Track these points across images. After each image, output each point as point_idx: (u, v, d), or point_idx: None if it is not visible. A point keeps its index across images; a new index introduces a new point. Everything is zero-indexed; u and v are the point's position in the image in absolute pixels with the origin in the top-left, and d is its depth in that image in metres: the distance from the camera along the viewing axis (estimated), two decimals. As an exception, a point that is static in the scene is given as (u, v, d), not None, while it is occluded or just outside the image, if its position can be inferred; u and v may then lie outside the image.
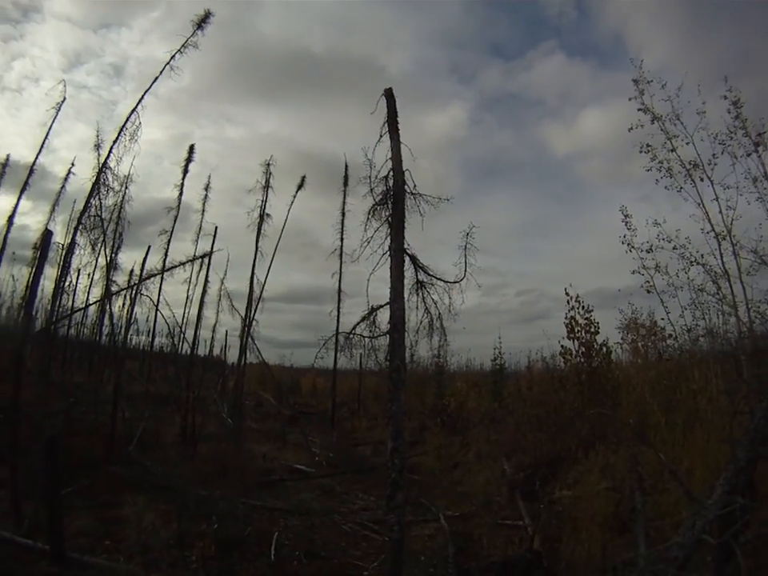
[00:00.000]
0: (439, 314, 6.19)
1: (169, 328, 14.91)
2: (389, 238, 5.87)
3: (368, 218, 6.12)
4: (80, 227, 9.70)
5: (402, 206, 5.87)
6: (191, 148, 17.25)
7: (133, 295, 13.88)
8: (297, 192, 17.11)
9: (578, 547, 5.55)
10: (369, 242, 6.06)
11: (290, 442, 15.08)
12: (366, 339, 6.00)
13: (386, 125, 6.09)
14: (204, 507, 7.27)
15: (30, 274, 20.05)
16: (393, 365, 5.40)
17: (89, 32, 71.33)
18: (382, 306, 5.84)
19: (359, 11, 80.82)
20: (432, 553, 6.43)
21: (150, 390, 16.20)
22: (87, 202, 9.50)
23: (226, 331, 20.24)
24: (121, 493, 7.82)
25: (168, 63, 9.91)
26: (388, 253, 5.82)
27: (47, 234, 8.43)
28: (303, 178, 17.47)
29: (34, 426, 8.37)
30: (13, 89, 65.87)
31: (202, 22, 10.15)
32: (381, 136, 6.08)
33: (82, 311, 17.79)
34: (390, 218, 5.93)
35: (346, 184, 20.16)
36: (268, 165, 16.18)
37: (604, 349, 10.39)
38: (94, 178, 9.69)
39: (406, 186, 5.97)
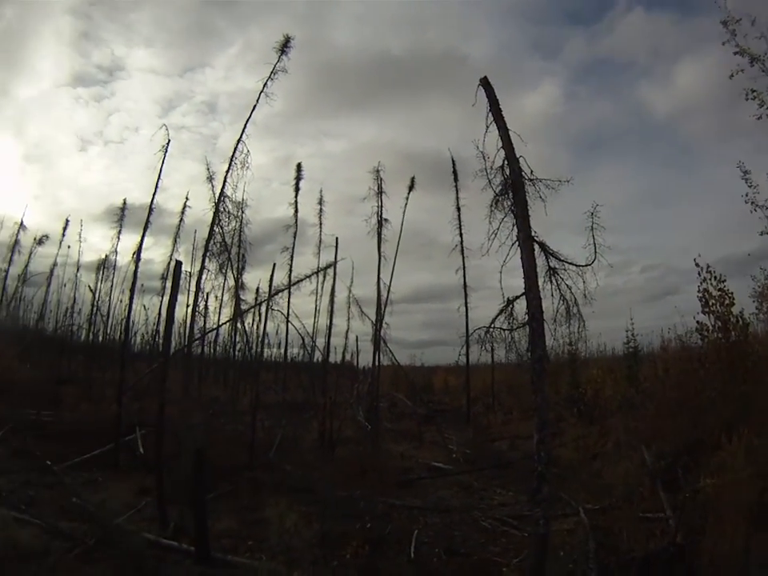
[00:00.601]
0: (575, 299, 6.18)
1: (301, 338, 15.95)
2: (515, 228, 5.97)
3: (491, 210, 6.26)
4: (207, 253, 10.36)
5: (522, 193, 5.94)
6: (299, 166, 18.46)
7: (264, 311, 15.38)
8: (409, 193, 17.39)
9: (720, 541, 5.29)
10: (496, 234, 6.19)
11: (426, 441, 15.69)
12: (506, 332, 6.07)
13: (490, 114, 6.18)
14: (344, 508, 7.78)
15: (160, 302, 23.54)
16: (534, 355, 5.50)
17: (175, 78, 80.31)
18: (518, 297, 5.95)
19: (428, 6, 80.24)
20: (572, 548, 6.31)
21: (286, 399, 17.61)
22: (211, 229, 10.22)
23: (356, 337, 21.17)
24: (262, 496, 8.43)
25: (262, 91, 10.55)
26: (516, 243, 5.94)
27: (177, 264, 9.18)
28: (413, 179, 17.71)
29: (178, 439, 9.04)
30: (116, 141, 76.70)
31: (284, 47, 10.69)
32: (487, 126, 6.17)
33: (215, 330, 19.53)
34: (513, 208, 6.04)
35: (456, 179, 20.25)
36: (377, 171, 16.58)
37: (740, 321, 9.63)
38: (214, 207, 10.35)
39: (523, 173, 6.02)
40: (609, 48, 75.58)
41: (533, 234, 5.86)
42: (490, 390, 21.74)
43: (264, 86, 10.55)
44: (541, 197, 6.05)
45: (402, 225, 16.68)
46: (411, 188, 17.46)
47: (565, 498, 8.30)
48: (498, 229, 6.19)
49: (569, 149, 77.12)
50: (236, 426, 14.43)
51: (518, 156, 6.02)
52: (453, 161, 20.21)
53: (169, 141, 11.75)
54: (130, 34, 78.92)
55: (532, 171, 6.07)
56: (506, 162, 6.07)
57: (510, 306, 6.08)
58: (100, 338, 28.68)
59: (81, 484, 9.13)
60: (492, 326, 6.18)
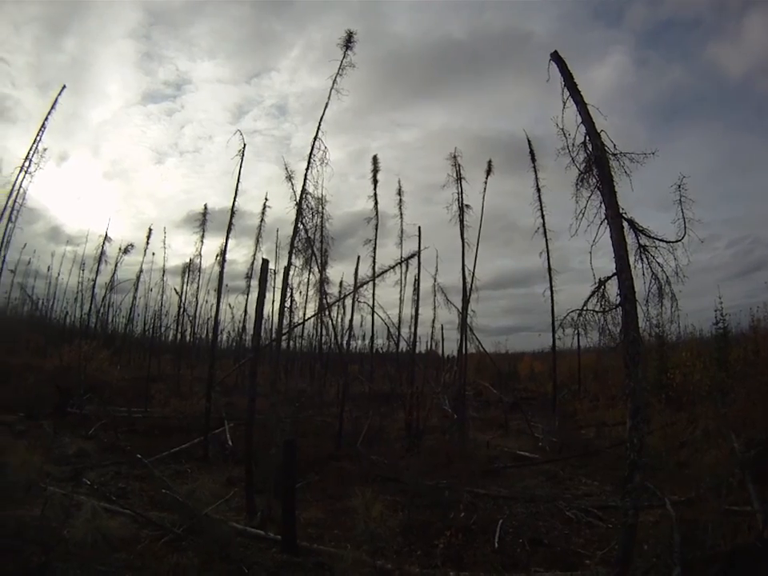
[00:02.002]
0: (667, 278, 6.09)
1: (387, 329, 16.30)
2: (602, 206, 5.98)
3: (577, 189, 6.28)
4: (294, 249, 10.72)
5: (607, 169, 5.94)
6: (374, 159, 19.41)
7: (350, 303, 15.93)
8: (487, 178, 17.54)
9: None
10: (583, 213, 6.21)
11: (513, 429, 16.16)
12: (599, 314, 6.07)
13: (565, 89, 6.19)
14: (430, 497, 8.12)
15: (246, 300, 25.46)
16: (628, 338, 5.48)
17: (242, 85, 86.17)
18: (609, 278, 5.94)
19: (485, -14, 77.88)
20: (656, 541, 6.09)
21: (373, 389, 17.93)
22: (296, 226, 10.71)
23: (441, 326, 22.38)
24: (349, 486, 8.54)
25: (332, 87, 11.01)
26: (605, 221, 5.94)
27: (264, 262, 9.55)
28: (490, 163, 17.84)
29: (267, 431, 9.58)
30: (191, 151, 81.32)
31: (348, 42, 11.15)
32: (564, 102, 6.20)
33: (301, 324, 20.28)
34: (598, 185, 6.04)
35: (533, 159, 19.82)
36: (455, 157, 16.69)
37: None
38: (296, 204, 10.75)
39: (605, 148, 6.01)
40: (671, 8, 70.90)
41: (621, 211, 5.83)
42: (576, 376, 21.75)
43: (333, 83, 10.99)
44: (626, 172, 6.01)
45: (482, 210, 16.86)
46: (489, 172, 17.64)
47: (651, 489, 8.05)
48: (585, 208, 6.19)
49: (644, 120, 73.97)
50: (323, 417, 15.26)
51: (598, 131, 6.00)
52: (528, 141, 19.91)
53: (244, 145, 12.32)
54: (192, 49, 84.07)
55: (615, 145, 6.04)
56: (587, 138, 6.08)
57: (602, 287, 6.04)
58: (187, 338, 30.56)
59: (170, 476, 9.54)
60: (584, 308, 6.16)
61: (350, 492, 7.94)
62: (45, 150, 17.48)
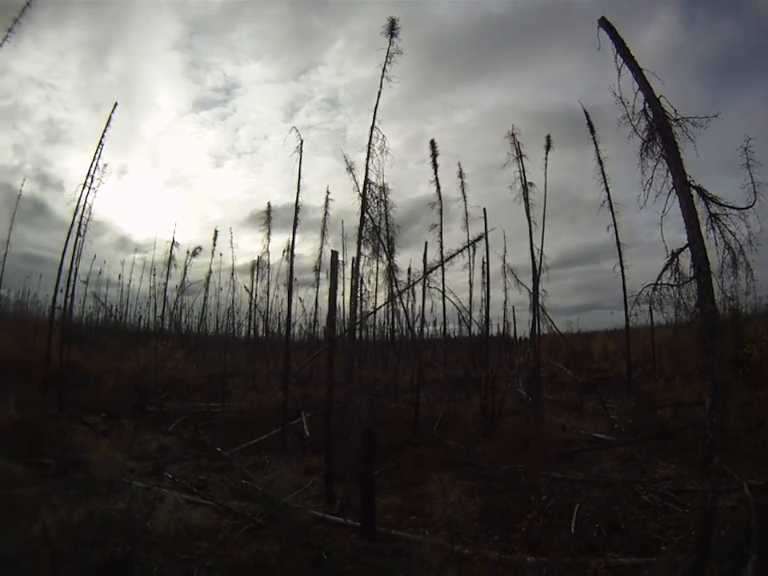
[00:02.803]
0: (740, 247, 5.99)
1: (459, 313, 16.42)
2: (669, 175, 5.91)
3: (641, 158, 6.24)
4: (362, 240, 10.94)
5: (670, 135, 5.86)
6: (432, 143, 19.67)
7: (420, 289, 16.19)
8: (547, 153, 17.65)
9: None
10: (650, 183, 6.16)
11: (588, 410, 15.91)
12: (673, 288, 6.06)
13: (618, 56, 6.14)
14: (506, 482, 8.31)
15: (316, 293, 25.97)
16: (704, 311, 5.41)
17: (290, 82, 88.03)
18: (682, 250, 5.90)
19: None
20: (732, 527, 5.94)
21: (447, 374, 18.29)
22: (362, 216, 10.97)
23: (513, 307, 23.22)
24: (426, 472, 8.56)
25: (383, 76, 11.26)
26: (672, 190, 5.87)
27: (334, 254, 9.90)
28: (548, 138, 17.92)
29: (344, 420, 9.63)
30: (248, 152, 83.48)
31: (392, 29, 11.36)
32: (619, 69, 6.16)
33: (373, 313, 20.56)
34: (663, 153, 5.98)
35: (592, 131, 19.65)
36: (513, 135, 16.81)
37: None
38: (360, 195, 10.98)
39: (666, 114, 5.93)
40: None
41: (688, 178, 5.71)
42: (651, 354, 21.21)
43: (383, 71, 11.24)
44: (689, 137, 5.91)
45: (545, 187, 16.94)
46: (548, 147, 17.67)
47: (729, 472, 7.70)
48: (651, 177, 6.12)
49: (700, 80, 69.90)
50: (398, 404, 15.29)
51: (657, 96, 5.92)
52: (585, 112, 19.55)
53: (302, 141, 12.61)
54: (236, 53, 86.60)
55: (675, 111, 5.95)
56: (646, 105, 6.01)
57: (675, 259, 5.99)
58: (260, 333, 31.52)
59: (249, 467, 9.86)
60: (659, 282, 6.11)
61: (427, 478, 8.10)
62: (105, 165, 18.46)
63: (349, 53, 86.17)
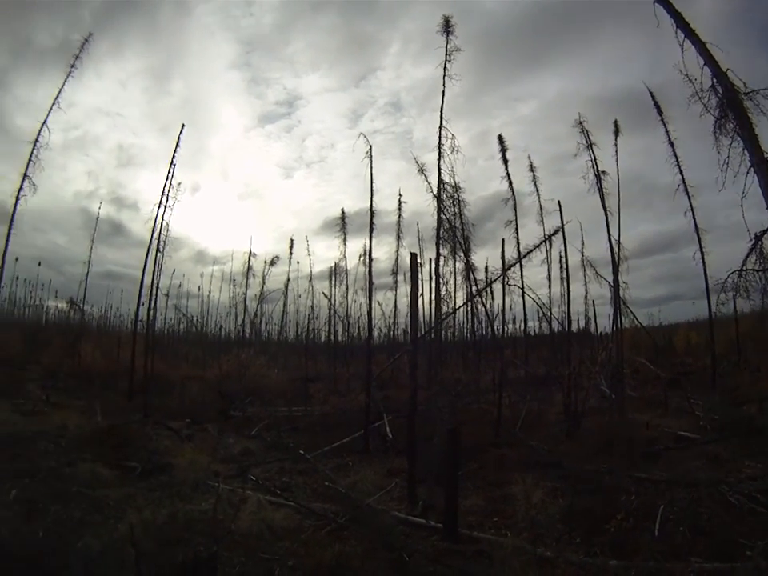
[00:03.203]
0: None
1: (539, 309, 16.20)
2: (745, 152, 5.66)
3: (715, 137, 6.08)
4: (440, 240, 10.91)
5: (742, 110, 5.62)
6: (500, 139, 19.43)
7: (496, 288, 15.93)
8: (616, 139, 17.21)
9: None
10: (727, 163, 5.91)
11: (672, 407, 15.45)
12: (759, 274, 5.90)
13: (678, 31, 6.01)
14: (590, 482, 8.10)
15: (395, 295, 27.58)
16: None
17: (351, 90, 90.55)
18: (765, 232, 5.70)
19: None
20: None
21: (528, 373, 18.01)
22: (438, 216, 11.06)
23: (593, 302, 22.99)
24: (509, 472, 8.83)
25: (444, 75, 11.44)
26: (751, 169, 5.60)
27: (413, 256, 9.90)
28: (616, 123, 17.43)
29: (426, 421, 9.78)
30: (316, 161, 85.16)
31: (447, 28, 11.56)
32: (681, 45, 5.94)
33: (453, 314, 20.43)
34: (737, 129, 5.71)
35: (660, 112, 18.92)
36: (580, 123, 16.48)
37: None
38: (435, 196, 10.97)
39: (736, 88, 5.70)
40: None
41: (766, 155, 5.48)
42: (735, 346, 20.28)
43: (444, 70, 11.43)
44: (762, 111, 5.67)
45: (617, 174, 16.39)
46: (617, 132, 17.21)
47: None
48: (728, 156, 5.91)
49: (763, 47, 64.17)
50: (480, 404, 15.25)
51: (724, 70, 5.73)
52: (651, 93, 18.79)
53: (371, 147, 12.76)
54: (294, 66, 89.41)
55: (745, 84, 5.72)
56: (714, 80, 5.84)
57: (758, 243, 5.80)
58: (339, 338, 32.10)
59: (332, 469, 9.94)
60: (743, 268, 5.95)
61: (510, 479, 8.32)
62: (179, 184, 19.28)
63: (405, 55, 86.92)
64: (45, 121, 10.67)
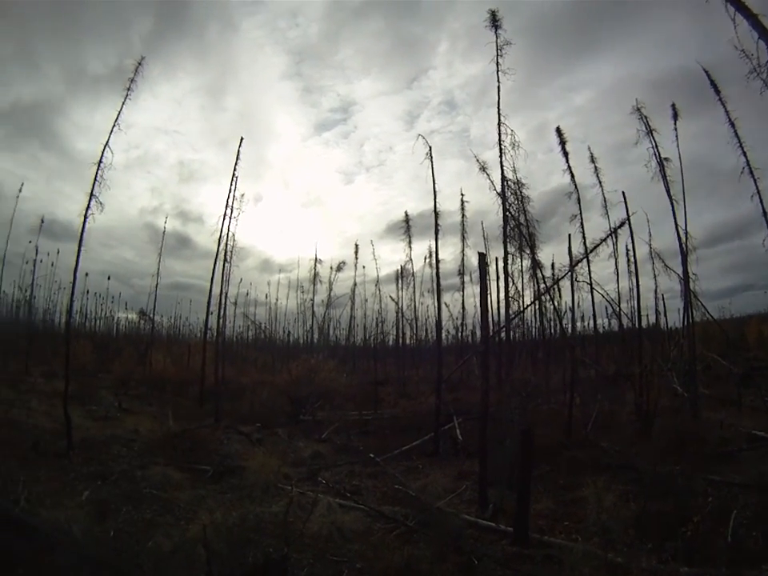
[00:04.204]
0: None
1: (609, 304, 15.78)
2: None
3: None
4: (506, 238, 10.84)
5: None
6: (558, 131, 18.90)
7: (563, 285, 15.44)
8: (675, 123, 16.48)
9: None
10: None
11: (746, 405, 14.88)
12: None
13: (728, 5, 5.65)
14: (662, 485, 7.77)
15: (462, 296, 26.86)
16: None
17: (405, 92, 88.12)
18: None
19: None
20: None
21: (599, 372, 17.32)
22: (504, 214, 10.91)
23: (662, 295, 22.30)
24: (580, 475, 8.63)
25: (498, 70, 11.37)
26: None
27: (481, 256, 9.92)
28: (674, 107, 16.71)
29: (496, 423, 9.57)
30: (376, 165, 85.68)
31: (494, 22, 11.44)
32: (733, 19, 5.67)
33: (521, 313, 20.15)
34: None
35: (717, 92, 17.63)
36: (639, 110, 16.09)
37: None
38: (499, 193, 10.98)
39: None
40: None
41: None
42: None
43: (497, 65, 11.31)
44: None
45: (680, 160, 15.82)
46: (675, 116, 16.51)
47: None
48: None
49: None
50: (550, 405, 14.88)
51: None
52: (706, 72, 17.61)
53: (430, 147, 12.80)
54: (345, 72, 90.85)
55: None
56: None
57: None
58: (407, 341, 32.23)
59: (402, 472, 9.94)
60: None
61: (581, 482, 8.07)
62: (242, 195, 19.76)
63: (455, 53, 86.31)
64: (107, 142, 11.10)
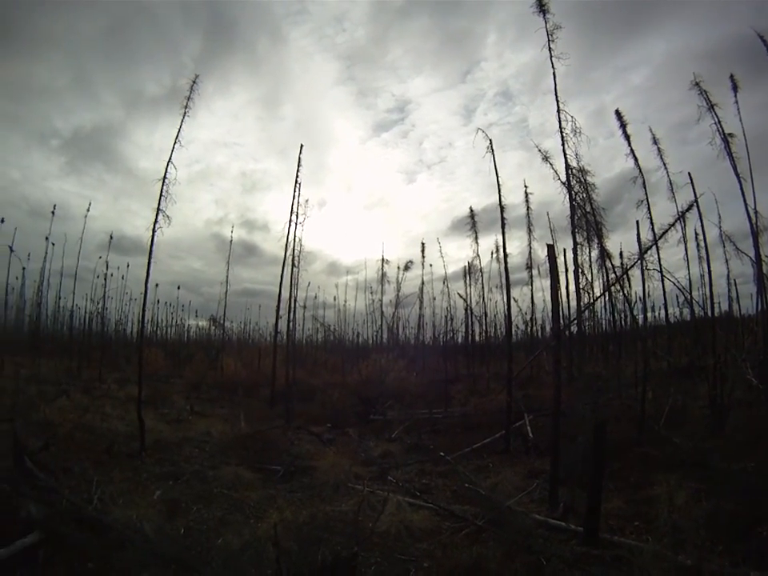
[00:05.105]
0: None
1: (681, 293, 15.17)
2: None
3: None
4: (574, 228, 10.74)
5: None
6: (618, 114, 18.25)
7: (632, 274, 14.90)
8: (735, 95, 15.35)
9: None
10: None
11: None
12: None
13: None
14: (736, 483, 7.47)
15: (531, 290, 26.93)
16: None
17: (458, 86, 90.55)
18: None
19: None
20: None
21: (671, 364, 16.96)
22: (571, 204, 10.80)
23: (734, 281, 21.22)
24: (652, 473, 8.44)
25: (551, 57, 11.03)
26: None
27: (550, 248, 9.76)
28: (733, 78, 15.53)
29: (567, 419, 9.55)
30: (436, 162, 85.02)
31: (541, 6, 11.09)
32: None
33: (591, 305, 19.66)
34: None
35: None
36: (698, 84, 15.08)
37: None
38: (563, 183, 10.94)
39: None
40: None
41: None
42: None
43: (550, 51, 10.93)
44: None
45: (744, 135, 14.80)
46: (735, 88, 15.36)
47: None
48: None
49: None
50: (621, 400, 14.47)
51: None
52: (761, 38, 16.38)
53: (491, 141, 12.84)
54: (397, 72, 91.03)
55: None
56: None
57: None
58: (476, 338, 32.04)
59: (472, 470, 9.83)
60: None
61: (653, 479, 7.97)
62: (306, 201, 19.95)
63: (504, 43, 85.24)
64: (170, 159, 11.55)
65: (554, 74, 10.70)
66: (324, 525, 6.44)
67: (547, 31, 10.74)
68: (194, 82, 12.23)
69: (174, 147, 11.73)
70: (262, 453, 10.49)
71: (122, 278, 32.42)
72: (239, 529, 6.17)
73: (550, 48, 10.75)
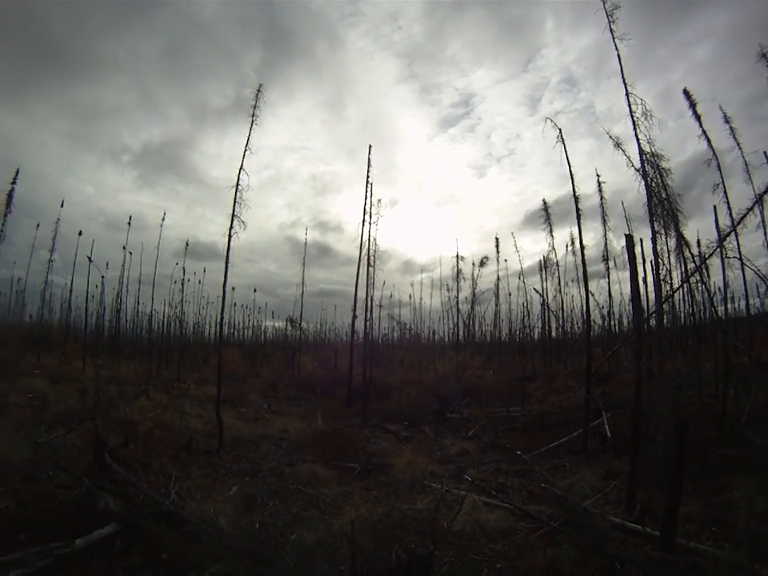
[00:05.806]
0: None
1: (764, 282, 14.16)
2: None
3: None
4: (653, 216, 10.57)
5: None
6: (686, 93, 17.15)
7: (711, 263, 14.18)
8: None
9: None
10: None
11: None
12: None
13: None
14: None
15: (608, 283, 25.90)
16: None
17: (521, 76, 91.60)
18: None
19: None
20: None
21: (753, 358, 15.76)
22: (647, 191, 10.65)
23: None
24: (731, 475, 7.94)
25: (613, 38, 10.68)
26: None
27: (628, 238, 9.65)
28: None
29: (647, 419, 9.15)
30: (506, 155, 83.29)
31: None
32: None
33: (672, 295, 18.80)
34: None
35: None
36: (764, 55, 14.06)
37: None
38: (638, 169, 10.74)
39: None
40: None
41: None
42: None
43: (612, 33, 10.56)
44: None
45: None
46: None
47: None
48: None
49: None
50: (701, 397, 14.00)
51: None
52: None
53: (560, 130, 12.77)
54: (458, 66, 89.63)
55: None
56: None
57: None
58: (553, 333, 31.50)
59: (549, 470, 9.72)
60: None
61: (733, 483, 7.45)
62: (378, 201, 20.43)
63: (562, 27, 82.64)
64: (241, 166, 11.96)
65: (618, 56, 10.33)
66: (399, 523, 6.55)
67: (606, 12, 10.36)
68: (258, 91, 12.63)
69: (244, 155, 12.16)
70: (339, 450, 10.75)
71: (199, 282, 33.88)
72: (314, 525, 6.33)
73: (611, 29, 10.38)
